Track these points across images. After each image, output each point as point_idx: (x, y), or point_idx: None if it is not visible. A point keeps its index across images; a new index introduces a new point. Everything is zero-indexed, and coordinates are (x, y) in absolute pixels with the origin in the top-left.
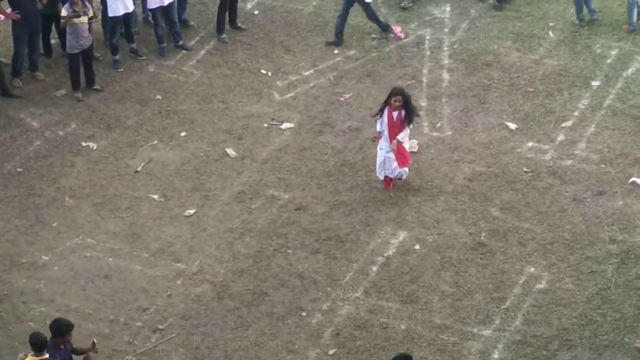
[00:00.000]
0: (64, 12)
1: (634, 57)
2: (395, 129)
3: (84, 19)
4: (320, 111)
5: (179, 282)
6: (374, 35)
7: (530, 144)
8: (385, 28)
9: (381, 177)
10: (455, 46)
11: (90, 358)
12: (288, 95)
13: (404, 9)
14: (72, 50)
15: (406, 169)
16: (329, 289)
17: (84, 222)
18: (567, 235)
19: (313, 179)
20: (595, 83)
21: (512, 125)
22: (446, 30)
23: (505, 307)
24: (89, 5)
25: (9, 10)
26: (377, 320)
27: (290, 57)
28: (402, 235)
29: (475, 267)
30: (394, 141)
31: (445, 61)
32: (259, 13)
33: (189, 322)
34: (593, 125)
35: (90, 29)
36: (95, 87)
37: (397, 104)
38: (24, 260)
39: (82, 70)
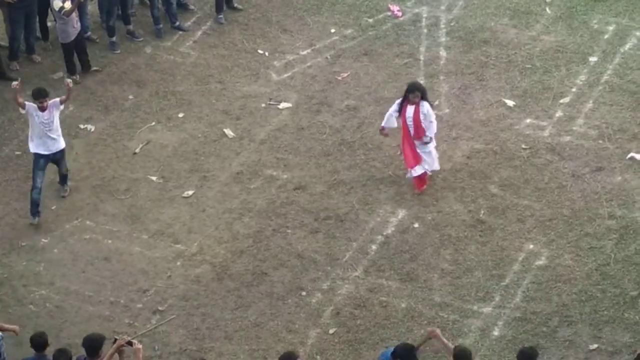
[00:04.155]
0: (58, 4)
1: (631, 32)
2: (416, 124)
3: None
4: (318, 90)
5: (178, 263)
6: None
7: (528, 120)
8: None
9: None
10: (452, 24)
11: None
12: (285, 75)
13: None
14: (67, 39)
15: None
16: (329, 268)
17: (82, 205)
18: (566, 211)
19: (311, 158)
20: (593, 59)
21: (510, 102)
22: (443, 7)
23: (504, 284)
24: None
25: None
26: (377, 298)
27: (287, 37)
28: (401, 213)
29: (475, 245)
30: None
31: (443, 39)
32: None
33: (189, 303)
34: (591, 101)
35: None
36: (94, 69)
37: (415, 98)
38: (23, 244)
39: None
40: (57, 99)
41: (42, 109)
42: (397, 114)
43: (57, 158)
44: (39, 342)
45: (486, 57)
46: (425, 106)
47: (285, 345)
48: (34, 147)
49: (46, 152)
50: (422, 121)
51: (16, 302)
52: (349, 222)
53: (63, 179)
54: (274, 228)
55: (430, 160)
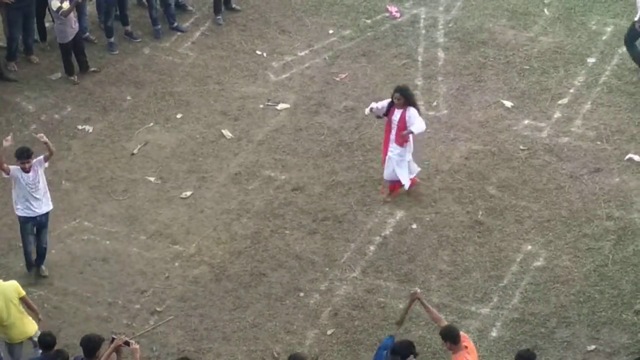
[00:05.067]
0: (56, 4)
1: None
2: (400, 129)
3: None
4: (316, 91)
5: (176, 264)
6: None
7: (526, 121)
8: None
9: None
10: (450, 25)
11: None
12: (283, 76)
13: None
14: (65, 39)
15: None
16: (327, 269)
17: (80, 206)
18: (564, 212)
19: (309, 159)
20: (591, 60)
21: (508, 103)
22: (441, 8)
23: (503, 285)
24: None
25: None
26: (375, 299)
27: (285, 38)
28: (399, 214)
29: (473, 246)
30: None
31: (441, 40)
32: None
33: (187, 304)
34: (589, 102)
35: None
36: (92, 69)
37: (398, 101)
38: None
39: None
40: (41, 157)
41: (26, 170)
42: (384, 111)
43: (42, 222)
44: (46, 342)
45: (484, 58)
46: (410, 111)
47: (284, 346)
48: (19, 211)
49: (32, 215)
50: (407, 126)
51: None
52: (347, 223)
53: (40, 257)
54: (272, 229)
55: (389, 170)
